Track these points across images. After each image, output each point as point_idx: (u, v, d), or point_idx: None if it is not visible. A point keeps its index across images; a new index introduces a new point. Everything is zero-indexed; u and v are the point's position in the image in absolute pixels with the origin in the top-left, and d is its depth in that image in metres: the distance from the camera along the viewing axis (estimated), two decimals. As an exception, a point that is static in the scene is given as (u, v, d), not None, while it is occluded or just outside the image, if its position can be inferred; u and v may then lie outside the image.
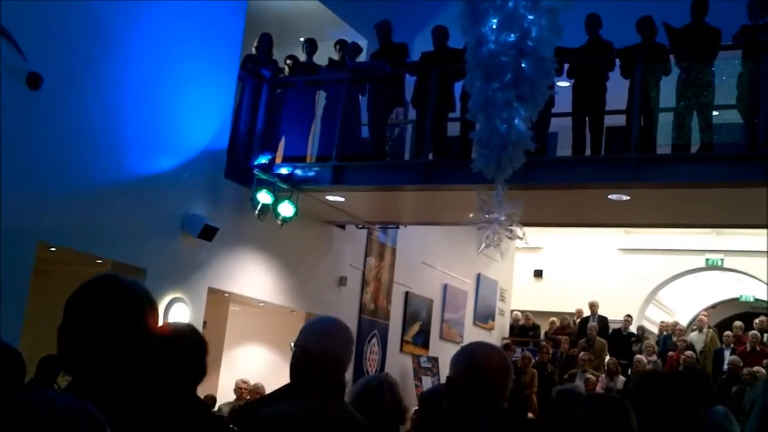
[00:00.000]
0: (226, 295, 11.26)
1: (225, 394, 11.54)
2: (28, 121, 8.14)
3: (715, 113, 9.51)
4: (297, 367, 2.96)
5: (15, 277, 7.97)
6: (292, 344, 3.02)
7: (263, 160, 10.82)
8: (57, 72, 8.35)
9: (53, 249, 8.83)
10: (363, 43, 12.52)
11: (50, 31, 8.35)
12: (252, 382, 11.27)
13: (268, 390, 9.04)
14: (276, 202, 10.62)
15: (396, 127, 11.79)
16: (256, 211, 10.53)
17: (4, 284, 7.72)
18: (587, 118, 9.90)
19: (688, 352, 13.46)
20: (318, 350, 2.92)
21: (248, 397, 10.82)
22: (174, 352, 3.00)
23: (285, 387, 3.06)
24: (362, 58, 11.93)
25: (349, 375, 12.14)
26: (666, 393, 3.41)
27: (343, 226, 12.85)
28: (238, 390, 11.27)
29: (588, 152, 9.82)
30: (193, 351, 3.01)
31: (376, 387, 3.87)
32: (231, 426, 3.92)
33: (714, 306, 20.23)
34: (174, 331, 3.10)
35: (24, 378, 3.57)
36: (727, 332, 14.56)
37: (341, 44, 11.66)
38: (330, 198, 11.26)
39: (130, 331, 2.01)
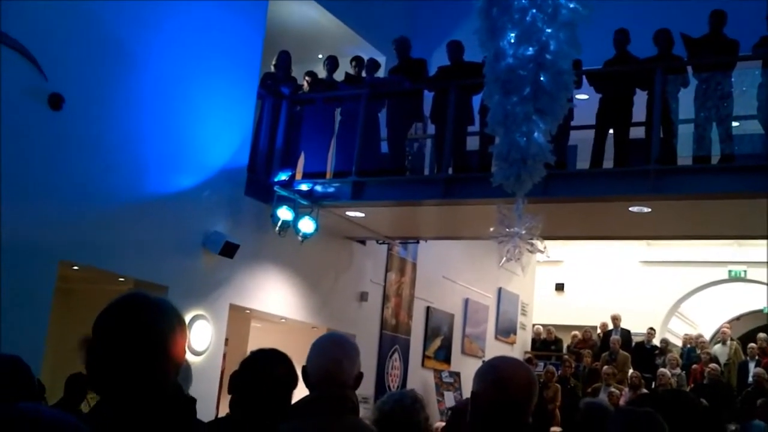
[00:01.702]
0: (248, 311, 11.28)
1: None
2: (50, 141, 8.22)
3: (735, 124, 9.46)
4: (308, 386, 2.98)
5: (37, 295, 8.03)
6: None
7: (283, 176, 10.87)
8: (78, 92, 8.43)
9: (76, 267, 8.89)
10: (381, 59, 12.54)
11: (71, 51, 8.43)
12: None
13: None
14: (296, 219, 10.64)
15: (415, 142, 11.80)
16: (277, 228, 10.56)
17: (27, 303, 7.79)
18: (612, 132, 9.88)
19: (713, 365, 13.35)
20: (311, 367, 2.93)
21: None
22: (260, 383, 2.98)
23: (295, 404, 3.05)
24: (380, 73, 11.97)
25: (370, 390, 12.04)
26: (683, 411, 3.38)
27: (363, 242, 12.86)
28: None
29: (612, 165, 9.79)
30: (281, 384, 2.99)
31: (411, 405, 3.83)
32: None
33: (738, 318, 20.05)
34: (265, 359, 3.07)
35: (32, 384, 3.55)
36: (752, 344, 14.42)
37: (357, 60, 11.70)
38: (350, 213, 11.28)
39: (159, 350, 2.01)
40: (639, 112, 9.68)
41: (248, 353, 3.16)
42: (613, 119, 9.88)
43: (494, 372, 2.73)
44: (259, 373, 3.01)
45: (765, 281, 17.60)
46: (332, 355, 2.97)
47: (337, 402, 2.90)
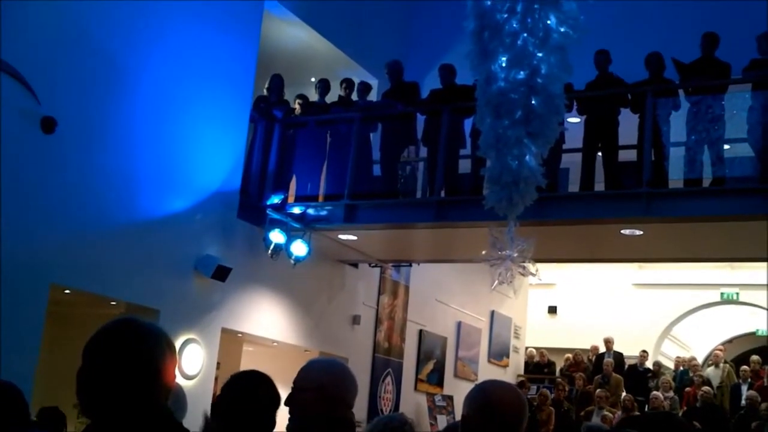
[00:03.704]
0: (240, 335, 11.25)
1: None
2: (42, 164, 8.21)
3: (726, 147, 9.50)
4: (310, 407, 2.92)
5: (28, 319, 7.99)
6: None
7: (276, 199, 10.87)
8: (70, 116, 8.42)
9: (67, 291, 8.85)
10: (373, 82, 12.58)
11: (64, 75, 8.44)
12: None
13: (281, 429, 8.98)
14: (289, 242, 10.62)
15: (408, 165, 11.82)
16: (269, 251, 10.54)
17: (18, 327, 7.75)
18: (600, 154, 9.91)
19: (706, 388, 13.34)
20: (332, 391, 2.91)
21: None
22: (244, 405, 2.96)
23: (304, 424, 3.02)
24: (372, 96, 11.99)
25: (363, 414, 11.95)
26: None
27: (355, 265, 12.84)
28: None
29: (602, 188, 9.81)
30: (265, 405, 2.96)
31: (400, 428, 3.82)
32: None
33: (730, 340, 20.05)
34: (247, 380, 3.05)
35: (25, 410, 3.56)
36: (744, 367, 14.43)
37: (347, 82, 11.73)
38: (342, 237, 11.27)
39: (149, 375, 2.01)
40: (631, 135, 9.72)
41: (229, 377, 3.15)
42: (599, 141, 9.92)
43: (484, 395, 2.73)
44: (241, 395, 3.00)
45: (757, 303, 17.63)
46: (351, 378, 2.98)
47: (343, 424, 2.90)
